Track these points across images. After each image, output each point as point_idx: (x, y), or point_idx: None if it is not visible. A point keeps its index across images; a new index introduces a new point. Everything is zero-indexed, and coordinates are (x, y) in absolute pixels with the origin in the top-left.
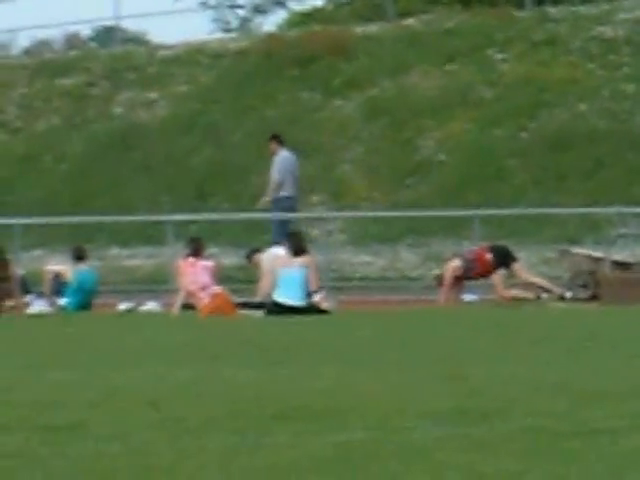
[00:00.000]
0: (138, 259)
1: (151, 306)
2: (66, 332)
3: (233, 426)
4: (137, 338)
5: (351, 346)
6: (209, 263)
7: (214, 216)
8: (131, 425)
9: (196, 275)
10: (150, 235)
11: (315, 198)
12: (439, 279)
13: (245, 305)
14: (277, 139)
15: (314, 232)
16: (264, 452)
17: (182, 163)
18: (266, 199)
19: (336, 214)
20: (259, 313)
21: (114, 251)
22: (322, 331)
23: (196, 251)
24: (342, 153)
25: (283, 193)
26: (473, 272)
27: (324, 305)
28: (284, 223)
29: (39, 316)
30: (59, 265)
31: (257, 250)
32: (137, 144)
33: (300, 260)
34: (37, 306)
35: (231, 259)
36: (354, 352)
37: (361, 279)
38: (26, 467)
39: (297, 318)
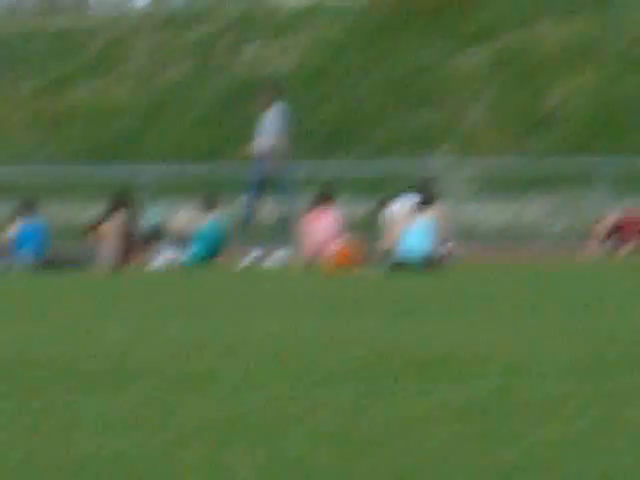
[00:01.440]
0: (266, 209)
1: (279, 256)
2: (195, 283)
3: (363, 376)
4: (264, 290)
5: (480, 297)
6: (337, 214)
7: (342, 166)
8: (263, 374)
9: (323, 225)
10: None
11: (443, 148)
12: (597, 231)
13: (373, 256)
14: (274, 88)
15: (442, 182)
16: (395, 402)
17: (311, 113)
18: (249, 150)
19: (464, 164)
20: (386, 264)
21: (243, 200)
22: (450, 283)
23: (325, 201)
24: (470, 103)
25: (268, 148)
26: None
27: (452, 256)
28: (264, 179)
29: (168, 266)
30: (190, 214)
31: (385, 201)
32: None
33: (428, 211)
34: (167, 255)
35: (358, 210)
36: (483, 303)
37: (489, 230)
38: (157, 416)
39: (424, 270)
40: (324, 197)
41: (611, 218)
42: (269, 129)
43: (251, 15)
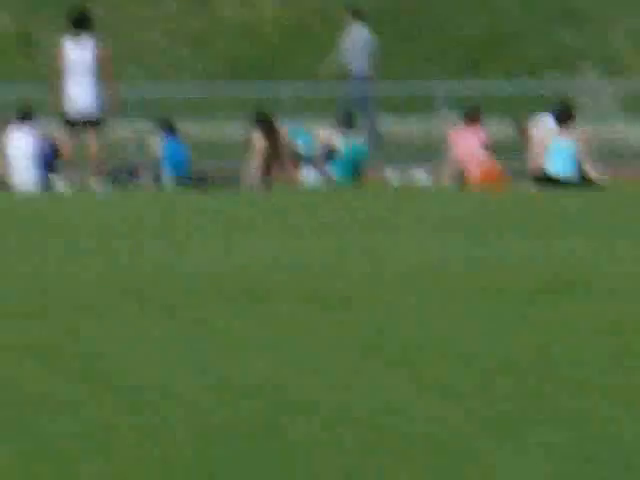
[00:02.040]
0: (408, 129)
1: (420, 175)
2: (338, 203)
3: (500, 297)
4: (410, 210)
5: (622, 220)
6: (482, 133)
7: (486, 85)
8: (400, 296)
9: (468, 145)
10: (420, 104)
11: (586, 67)
12: None
13: (517, 177)
14: (353, 12)
15: (585, 101)
16: (534, 324)
17: (455, 30)
18: (331, 67)
19: (608, 84)
20: (530, 185)
21: (384, 119)
22: (593, 204)
23: (471, 120)
24: (615, 22)
25: (356, 69)
26: None
27: (596, 178)
28: (363, 100)
29: (310, 186)
30: (330, 135)
31: (527, 121)
32: (406, 10)
33: (570, 132)
34: (308, 176)
35: (502, 130)
36: (625, 226)
37: (633, 152)
38: (296, 336)
39: (569, 191)
40: (471, 116)
41: None
42: (345, 50)
43: None
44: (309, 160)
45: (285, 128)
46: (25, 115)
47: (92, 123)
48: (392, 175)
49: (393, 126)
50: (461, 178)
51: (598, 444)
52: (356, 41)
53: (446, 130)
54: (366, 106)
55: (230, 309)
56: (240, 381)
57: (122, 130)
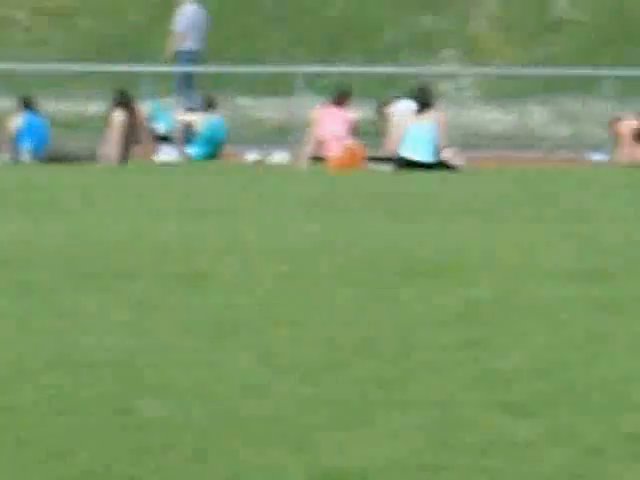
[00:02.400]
0: (267, 110)
1: (279, 157)
2: (195, 181)
3: (361, 279)
4: (265, 189)
5: (479, 203)
6: (350, 114)
7: (345, 68)
8: (258, 276)
9: (333, 124)
10: (280, 86)
11: (446, 53)
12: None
13: (374, 159)
14: None
15: (445, 87)
16: (391, 306)
17: (315, 14)
18: (170, 50)
19: (467, 70)
20: (388, 168)
21: (243, 101)
22: (450, 187)
23: (340, 100)
24: (475, 8)
25: (186, 46)
26: None
27: (453, 161)
28: (187, 77)
29: (167, 164)
30: (189, 114)
31: (386, 103)
32: None
33: (428, 115)
34: (166, 154)
35: (361, 113)
36: (482, 209)
37: (491, 136)
38: (152, 316)
39: (425, 174)
40: (340, 97)
41: (629, 122)
42: (180, 28)
43: None
44: (168, 139)
45: (145, 107)
46: None
47: None
48: (251, 156)
49: (253, 109)
50: (320, 159)
51: (449, 429)
52: (190, 19)
53: (307, 112)
54: (191, 82)
55: (83, 287)
56: (90, 359)
57: None
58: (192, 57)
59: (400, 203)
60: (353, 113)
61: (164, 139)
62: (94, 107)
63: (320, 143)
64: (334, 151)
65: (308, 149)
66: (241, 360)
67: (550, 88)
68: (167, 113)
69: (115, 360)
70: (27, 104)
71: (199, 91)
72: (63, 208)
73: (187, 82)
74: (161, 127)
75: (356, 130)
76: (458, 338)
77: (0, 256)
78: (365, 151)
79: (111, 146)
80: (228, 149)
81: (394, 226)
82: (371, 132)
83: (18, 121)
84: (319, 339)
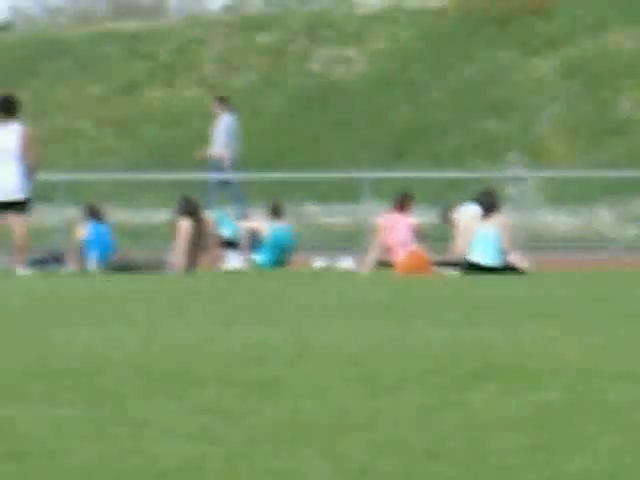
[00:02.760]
0: (334, 216)
1: (346, 263)
2: (262, 288)
3: (429, 384)
4: (332, 295)
5: (547, 306)
6: (412, 220)
7: (411, 174)
8: (327, 382)
9: (397, 231)
10: (346, 192)
11: (511, 157)
12: None
13: (440, 264)
14: (222, 100)
15: (510, 191)
16: (459, 411)
17: (380, 120)
18: (208, 154)
19: (533, 174)
20: (455, 272)
21: (310, 208)
22: (518, 291)
23: (402, 205)
24: (539, 112)
25: (226, 154)
26: None
27: (519, 265)
28: (224, 183)
29: (234, 272)
30: (256, 221)
31: (453, 208)
32: (335, 101)
33: (493, 219)
34: (233, 261)
35: (426, 217)
36: (550, 312)
37: (557, 239)
38: (221, 423)
39: (492, 277)
40: (401, 202)
41: None
42: (217, 139)
43: (323, 20)
44: (234, 246)
45: (211, 215)
46: None
47: (17, 207)
48: (318, 263)
49: (320, 215)
50: (385, 265)
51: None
52: (226, 128)
53: (373, 217)
54: (235, 189)
55: (153, 394)
56: (161, 467)
57: (48, 217)
58: (229, 165)
59: (467, 307)
60: (415, 218)
61: (230, 245)
62: (160, 215)
63: (386, 249)
64: (400, 257)
65: (374, 255)
66: (313, 467)
67: (615, 190)
68: (231, 219)
69: (186, 467)
70: (93, 213)
71: (266, 198)
72: (131, 316)
73: (222, 188)
74: (225, 233)
75: (419, 234)
76: (528, 441)
77: (70, 365)
78: (430, 256)
79: (178, 254)
80: (296, 256)
81: (462, 330)
82: (437, 237)
83: (84, 230)
84: (390, 444)
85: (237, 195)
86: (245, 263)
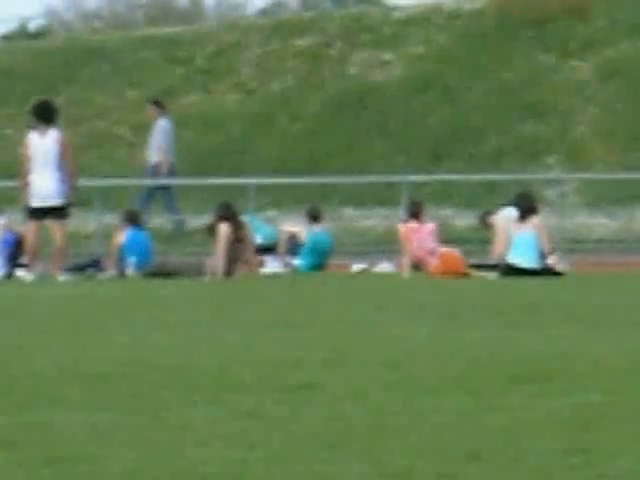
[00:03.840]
0: (372, 220)
1: (384, 267)
2: (301, 292)
3: (468, 387)
4: (370, 298)
5: (586, 308)
6: (431, 226)
7: (449, 177)
8: (366, 385)
9: (421, 241)
10: (384, 195)
11: (550, 159)
12: None
13: (479, 266)
14: (158, 105)
15: (548, 194)
16: (499, 413)
17: (417, 123)
18: (146, 159)
19: (571, 176)
20: (493, 274)
21: (348, 212)
22: (557, 293)
23: (416, 214)
24: (578, 115)
25: (164, 159)
26: None
27: (558, 267)
28: (162, 189)
29: (273, 276)
30: (294, 226)
31: (491, 211)
32: (372, 104)
33: (532, 222)
34: (272, 266)
35: (465, 220)
36: (590, 314)
37: (596, 241)
38: (261, 428)
39: (531, 280)
40: (413, 210)
41: None
42: (154, 145)
43: (360, 23)
44: (269, 251)
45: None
46: None
47: (56, 213)
48: (356, 267)
49: (358, 219)
50: (422, 269)
51: None
52: (163, 134)
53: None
54: (169, 198)
55: (192, 400)
56: (201, 472)
57: (87, 223)
58: (172, 169)
59: (506, 309)
60: (432, 223)
61: (265, 250)
62: (197, 221)
63: (416, 258)
64: (430, 263)
65: (406, 260)
66: (352, 471)
67: None
68: (264, 224)
69: (225, 472)
70: (132, 219)
71: (304, 202)
72: (170, 321)
73: (155, 194)
74: (259, 238)
75: (450, 238)
76: (569, 443)
77: (109, 370)
78: (467, 258)
79: (217, 259)
80: (334, 260)
81: (501, 332)
82: (474, 240)
83: (123, 236)
84: (430, 448)
85: (171, 204)
86: (284, 267)
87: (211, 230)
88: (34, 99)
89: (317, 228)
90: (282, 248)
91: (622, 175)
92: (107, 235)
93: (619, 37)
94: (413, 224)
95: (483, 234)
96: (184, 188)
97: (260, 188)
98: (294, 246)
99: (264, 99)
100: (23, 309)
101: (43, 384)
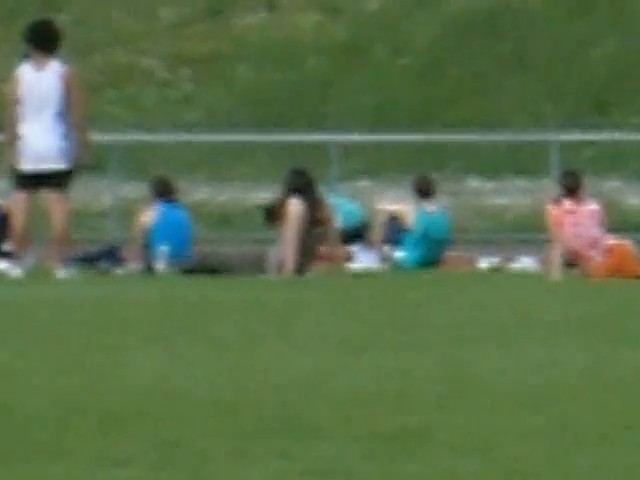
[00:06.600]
0: (508, 197)
1: (525, 263)
2: (405, 298)
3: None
4: (505, 308)
5: None
6: (594, 206)
7: (619, 136)
8: (494, 433)
9: (579, 227)
10: (525, 162)
11: None
12: None
13: None
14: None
15: None
16: None
17: (573, 60)
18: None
19: None
20: None
21: (474, 184)
22: None
23: (571, 190)
24: None
25: None
26: None
27: None
28: None
29: (365, 274)
30: (395, 203)
31: None
32: (508, 32)
33: None
34: (363, 260)
35: (638, 198)
36: None
37: None
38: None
39: None
40: (570, 185)
41: None
42: None
43: None
44: (359, 238)
45: (333, 189)
46: None
47: (56, 180)
48: (486, 262)
49: (488, 193)
50: (579, 267)
51: None
52: None
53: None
54: None
55: (246, 451)
56: None
57: (100, 196)
58: None
59: None
60: (595, 204)
61: (353, 238)
62: (258, 194)
63: (571, 251)
64: (591, 259)
65: (557, 253)
66: None
67: None
68: (349, 201)
69: None
70: (163, 192)
71: (411, 170)
72: (217, 338)
73: None
74: (342, 222)
75: (618, 223)
76: None
77: (130, 406)
78: (637, 251)
79: (286, 249)
80: (454, 251)
81: None
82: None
83: (151, 216)
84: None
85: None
86: (381, 262)
87: (277, 209)
88: (28, 18)
89: (429, 207)
90: (378, 235)
91: None
92: (127, 213)
93: None
94: (567, 204)
95: None
96: (240, 147)
97: (347, 149)
98: (396, 232)
99: (354, 22)
100: (5, 320)
101: (39, 427)
